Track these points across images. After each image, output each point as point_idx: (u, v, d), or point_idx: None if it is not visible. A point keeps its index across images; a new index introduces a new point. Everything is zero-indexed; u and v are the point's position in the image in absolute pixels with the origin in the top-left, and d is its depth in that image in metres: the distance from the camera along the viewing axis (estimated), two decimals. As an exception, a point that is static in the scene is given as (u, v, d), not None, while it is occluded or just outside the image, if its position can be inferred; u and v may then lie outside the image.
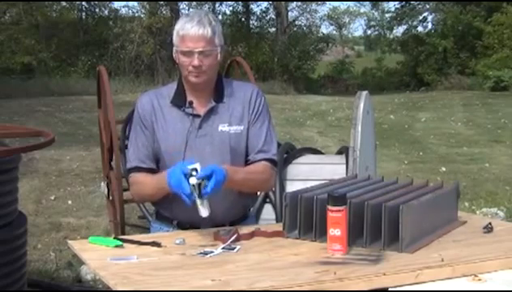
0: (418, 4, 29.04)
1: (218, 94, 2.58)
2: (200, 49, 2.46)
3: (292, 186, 3.75)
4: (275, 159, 2.63)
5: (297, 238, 2.32)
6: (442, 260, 2.06)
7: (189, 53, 2.47)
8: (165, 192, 2.45)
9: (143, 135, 2.58)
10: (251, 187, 2.67)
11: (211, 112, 2.55)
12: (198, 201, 2.29)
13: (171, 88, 2.62)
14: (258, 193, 3.81)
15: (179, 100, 2.57)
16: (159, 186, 2.46)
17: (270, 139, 2.62)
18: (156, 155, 2.59)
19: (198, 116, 2.55)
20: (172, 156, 2.52)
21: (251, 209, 2.77)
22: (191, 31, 2.46)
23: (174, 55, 2.53)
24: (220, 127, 2.55)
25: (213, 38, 2.47)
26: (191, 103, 2.55)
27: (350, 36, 57.89)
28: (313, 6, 29.75)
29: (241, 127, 2.57)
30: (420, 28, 29.66)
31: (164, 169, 2.51)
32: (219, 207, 2.48)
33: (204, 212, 2.30)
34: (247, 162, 2.60)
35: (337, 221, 2.14)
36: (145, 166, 2.56)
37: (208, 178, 2.30)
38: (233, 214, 2.60)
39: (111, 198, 5.04)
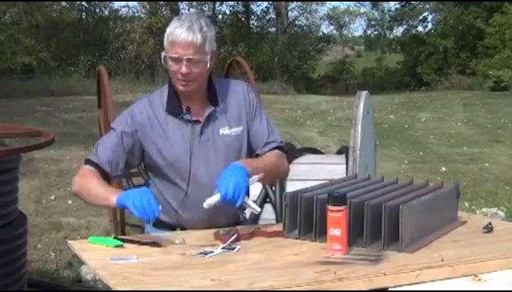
0: (418, 4, 29.04)
1: (213, 97, 2.54)
2: (189, 57, 2.40)
3: (292, 186, 3.74)
4: (282, 145, 2.65)
5: (297, 238, 2.32)
6: (442, 260, 2.06)
7: (177, 60, 2.42)
8: (103, 205, 2.46)
9: (118, 146, 2.50)
10: (273, 175, 2.66)
11: (209, 117, 2.53)
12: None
13: (162, 95, 2.55)
14: (258, 192, 3.83)
15: (174, 108, 2.51)
16: (100, 198, 2.41)
17: (271, 129, 2.64)
18: (153, 167, 2.55)
19: (198, 122, 2.51)
20: (177, 166, 2.50)
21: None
22: (180, 37, 2.39)
23: (163, 60, 2.47)
24: (221, 131, 2.53)
25: (203, 45, 2.41)
26: (188, 109, 2.50)
27: (350, 35, 57.92)
28: (313, 6, 29.80)
29: (241, 128, 2.57)
30: (420, 28, 29.74)
31: (168, 180, 2.50)
32: (223, 210, 2.48)
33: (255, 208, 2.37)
34: (256, 157, 2.60)
35: (337, 221, 2.14)
36: (104, 168, 2.48)
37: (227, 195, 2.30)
38: (235, 216, 2.60)
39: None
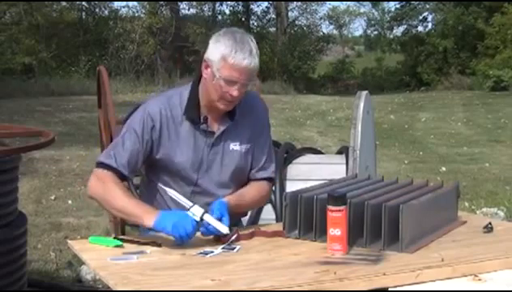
0: (418, 4, 29.05)
1: (232, 112, 2.51)
2: (244, 82, 2.38)
3: (292, 186, 3.74)
4: (273, 177, 2.66)
5: (297, 238, 2.32)
6: (442, 260, 2.06)
7: (231, 83, 2.37)
8: (129, 220, 2.44)
9: (136, 145, 2.45)
10: (248, 209, 2.76)
11: (224, 131, 2.51)
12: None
13: (182, 96, 2.50)
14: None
15: (193, 115, 2.48)
16: (129, 213, 2.37)
17: (270, 155, 2.63)
18: (157, 168, 2.52)
19: (212, 133, 2.49)
20: (183, 174, 2.49)
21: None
22: (243, 63, 2.34)
23: (208, 73, 2.40)
24: (232, 146, 2.53)
25: (256, 70, 2.39)
26: (206, 119, 2.48)
27: (350, 35, 57.88)
28: (314, 6, 29.80)
29: (249, 145, 2.56)
30: (420, 28, 29.75)
31: (169, 185, 2.46)
32: None
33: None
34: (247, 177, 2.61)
35: (337, 221, 2.14)
36: (122, 172, 2.44)
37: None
38: (234, 218, 2.59)
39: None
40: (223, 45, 2.37)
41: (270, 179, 2.64)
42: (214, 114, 2.50)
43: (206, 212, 2.29)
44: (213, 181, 2.52)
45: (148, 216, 2.30)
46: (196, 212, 2.27)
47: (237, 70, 2.35)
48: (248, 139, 2.55)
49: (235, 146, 2.53)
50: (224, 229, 2.26)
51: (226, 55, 2.35)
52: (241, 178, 2.58)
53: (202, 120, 2.48)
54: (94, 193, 2.47)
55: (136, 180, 2.93)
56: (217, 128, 2.51)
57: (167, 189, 2.41)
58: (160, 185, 2.44)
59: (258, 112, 2.60)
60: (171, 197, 2.41)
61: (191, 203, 2.30)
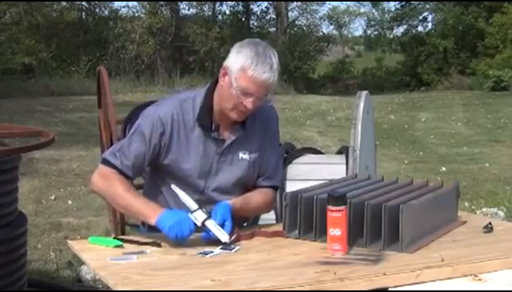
0: (418, 4, 29.06)
1: (244, 120, 2.49)
2: (260, 96, 2.36)
3: (292, 186, 3.74)
4: (278, 185, 2.65)
5: (297, 238, 2.33)
6: (442, 260, 2.06)
7: (247, 95, 2.35)
8: (134, 218, 2.44)
9: (143, 148, 2.43)
10: (253, 214, 2.69)
11: (235, 140, 2.49)
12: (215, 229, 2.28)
13: (196, 101, 2.47)
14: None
15: (205, 122, 2.46)
16: (134, 211, 2.37)
17: (278, 164, 2.63)
18: (163, 172, 2.50)
19: (223, 141, 2.48)
20: (190, 180, 2.47)
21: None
22: (263, 76, 2.32)
23: (225, 81, 2.38)
24: (241, 154, 2.51)
25: (274, 85, 2.38)
26: (218, 128, 2.47)
27: (350, 36, 57.83)
28: (314, 6, 29.80)
29: (258, 154, 2.55)
30: (420, 28, 29.76)
31: (170, 183, 2.43)
32: None
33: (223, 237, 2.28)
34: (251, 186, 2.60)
35: (337, 221, 2.14)
36: (126, 173, 2.42)
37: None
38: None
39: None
40: (244, 55, 2.35)
41: (275, 187, 2.63)
42: (226, 122, 2.48)
43: (208, 217, 2.28)
44: (218, 188, 2.51)
45: (153, 214, 2.31)
46: (198, 216, 2.27)
47: (255, 83, 2.33)
48: (257, 148, 2.54)
49: (244, 155, 2.52)
50: (224, 238, 2.25)
51: (246, 66, 2.33)
52: (245, 186, 2.57)
53: (213, 128, 2.47)
54: (98, 188, 2.47)
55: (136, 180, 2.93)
56: (228, 136, 2.49)
57: (176, 189, 2.38)
58: (173, 186, 2.41)
59: (270, 120, 2.58)
60: (178, 200, 2.40)
61: (196, 207, 2.30)
